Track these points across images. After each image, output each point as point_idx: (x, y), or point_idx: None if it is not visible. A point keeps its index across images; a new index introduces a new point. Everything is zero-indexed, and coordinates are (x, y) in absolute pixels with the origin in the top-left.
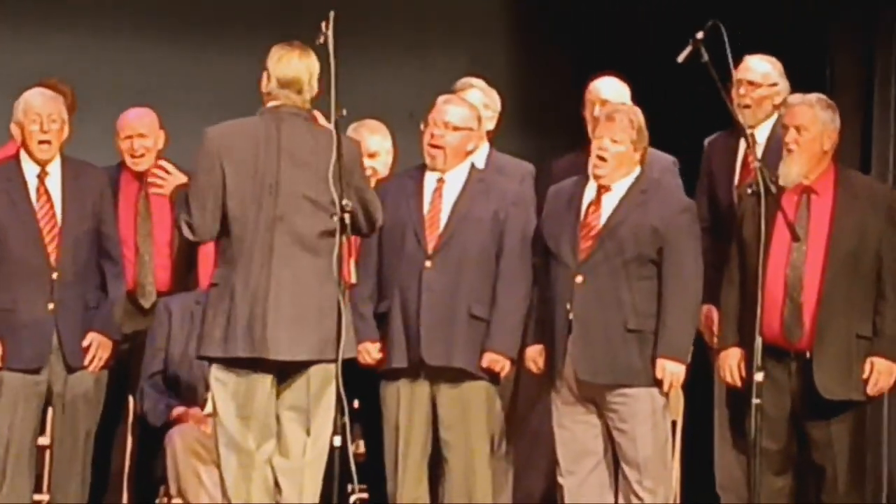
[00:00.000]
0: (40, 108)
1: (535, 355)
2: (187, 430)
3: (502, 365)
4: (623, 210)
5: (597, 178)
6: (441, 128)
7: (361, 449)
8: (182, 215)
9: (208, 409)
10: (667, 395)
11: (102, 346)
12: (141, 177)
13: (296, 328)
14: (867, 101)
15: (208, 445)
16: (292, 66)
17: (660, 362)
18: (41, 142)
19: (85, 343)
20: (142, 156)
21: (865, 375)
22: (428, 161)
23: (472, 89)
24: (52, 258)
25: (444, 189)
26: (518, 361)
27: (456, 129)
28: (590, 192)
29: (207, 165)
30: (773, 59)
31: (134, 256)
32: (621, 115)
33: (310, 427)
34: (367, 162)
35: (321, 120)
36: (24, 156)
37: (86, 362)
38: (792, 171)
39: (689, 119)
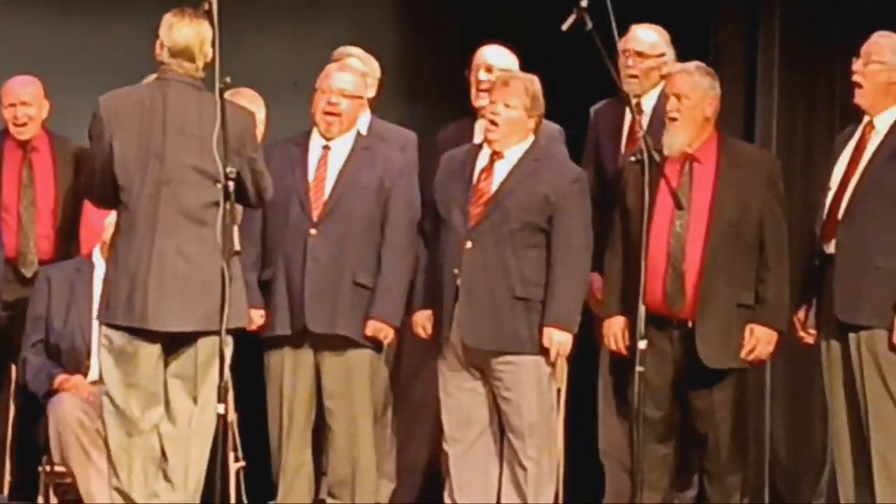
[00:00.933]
0: None
1: (423, 320)
2: (70, 398)
3: (386, 333)
4: (515, 178)
5: (489, 142)
6: (337, 95)
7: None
8: (81, 187)
9: (91, 376)
10: (553, 363)
11: None
12: (24, 145)
13: (180, 299)
14: (750, 71)
15: (91, 413)
16: (183, 34)
17: (547, 331)
18: None
19: None
20: (24, 124)
21: (745, 342)
22: (322, 128)
23: (350, 58)
24: None
25: (329, 156)
26: (402, 330)
27: (351, 96)
28: (482, 159)
29: (97, 133)
30: (660, 29)
31: (16, 224)
32: (517, 81)
33: (197, 396)
34: None
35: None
36: None
37: None
38: (675, 140)
39: (575, 88)
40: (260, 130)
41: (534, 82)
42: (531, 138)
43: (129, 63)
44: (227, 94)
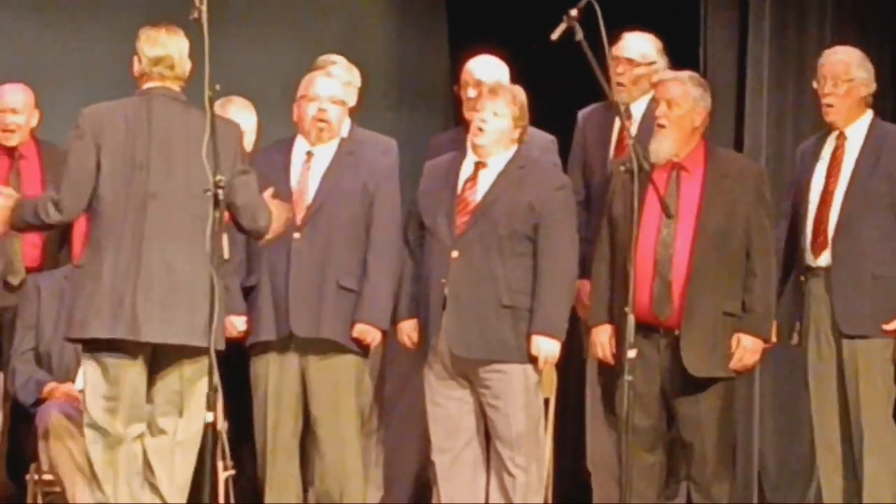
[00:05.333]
0: None
1: (409, 330)
2: (58, 407)
3: (373, 336)
4: (499, 186)
5: (475, 147)
6: (327, 102)
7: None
8: (49, 194)
9: (79, 384)
10: (540, 371)
11: None
12: (11, 152)
13: (167, 310)
14: (740, 79)
15: (79, 421)
16: (160, 45)
17: (534, 339)
18: None
19: None
20: (13, 132)
21: (732, 351)
22: (314, 136)
23: (333, 66)
24: None
25: (312, 162)
26: (388, 336)
27: (340, 102)
28: (467, 168)
29: (80, 146)
30: (652, 37)
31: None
32: (505, 91)
33: (182, 409)
34: None
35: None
36: None
37: None
38: (662, 147)
39: (565, 96)
40: (251, 138)
41: (521, 93)
42: (515, 147)
43: (115, 73)
44: (218, 102)
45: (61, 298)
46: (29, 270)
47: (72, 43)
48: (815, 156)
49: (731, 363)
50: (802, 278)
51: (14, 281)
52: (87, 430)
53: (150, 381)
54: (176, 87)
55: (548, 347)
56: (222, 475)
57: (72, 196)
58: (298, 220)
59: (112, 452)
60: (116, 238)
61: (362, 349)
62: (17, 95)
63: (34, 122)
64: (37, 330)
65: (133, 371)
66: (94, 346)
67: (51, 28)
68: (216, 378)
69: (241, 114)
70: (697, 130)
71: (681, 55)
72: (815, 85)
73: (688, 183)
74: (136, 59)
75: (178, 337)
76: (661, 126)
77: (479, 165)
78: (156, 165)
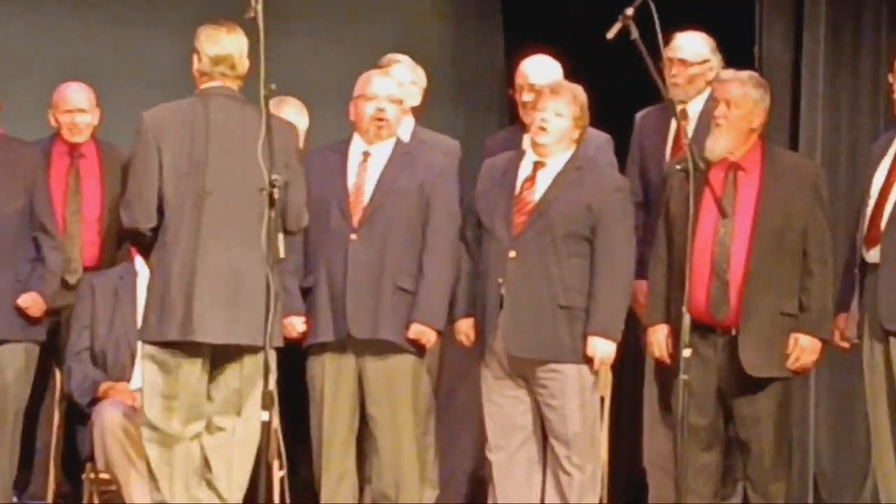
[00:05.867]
0: None
1: (466, 329)
2: (114, 406)
3: (428, 336)
4: (558, 187)
5: (536, 147)
6: (385, 101)
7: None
8: (122, 202)
9: (135, 384)
10: (596, 372)
11: (35, 302)
12: (73, 151)
13: (227, 310)
14: (796, 77)
15: (136, 421)
16: (221, 44)
17: (590, 340)
18: None
19: (20, 300)
20: (81, 131)
21: (789, 351)
22: (372, 135)
23: (397, 65)
24: None
25: (369, 162)
26: (445, 335)
27: (398, 101)
28: (525, 168)
29: (143, 150)
30: (704, 35)
31: (62, 231)
32: (566, 90)
33: (241, 407)
34: None
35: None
36: None
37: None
38: (718, 144)
39: (621, 95)
40: (301, 141)
41: (582, 93)
42: (574, 148)
43: (172, 72)
44: (273, 102)
45: (115, 297)
46: (87, 269)
47: (128, 42)
48: (883, 152)
49: (788, 363)
50: (858, 273)
51: (72, 280)
52: (143, 429)
53: (210, 380)
54: (235, 86)
55: (603, 348)
56: (277, 474)
57: (138, 201)
58: (355, 222)
59: (169, 451)
60: (177, 238)
61: (418, 349)
62: (83, 94)
63: (96, 121)
64: (91, 329)
65: (192, 370)
66: (158, 346)
67: (107, 27)
68: (272, 378)
69: (293, 115)
70: (755, 131)
71: (736, 54)
72: (890, 79)
73: (745, 182)
74: (195, 57)
75: (237, 337)
76: (718, 125)
77: (537, 165)
78: (213, 163)
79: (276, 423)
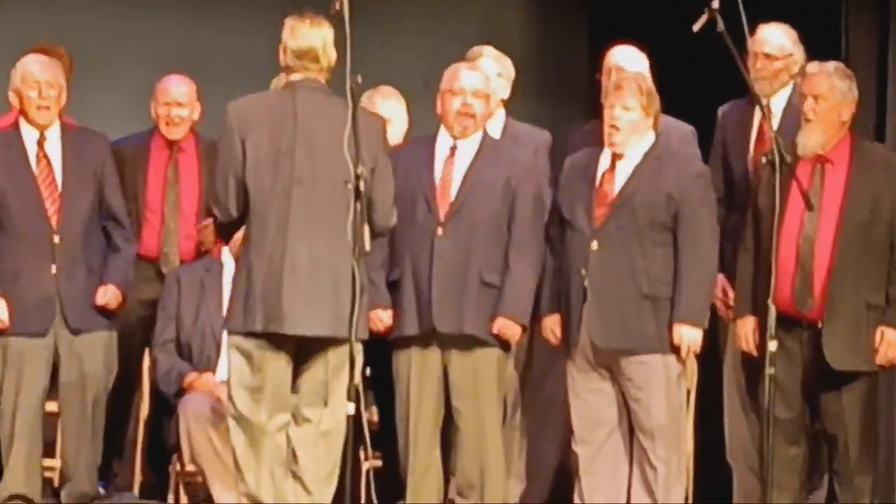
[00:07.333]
0: (38, 74)
1: (552, 324)
2: (200, 397)
3: (514, 331)
4: (637, 177)
5: (611, 145)
6: (471, 96)
7: (375, 417)
8: (212, 195)
9: (221, 375)
10: (683, 362)
11: (114, 297)
12: (172, 145)
13: (312, 302)
14: (882, 69)
15: (221, 412)
16: (305, 37)
17: (676, 328)
18: (40, 107)
19: (99, 296)
20: (177, 125)
21: (876, 346)
22: (458, 130)
23: (484, 57)
24: (54, 222)
25: (456, 156)
26: (531, 329)
27: (484, 96)
28: (604, 161)
29: (228, 142)
30: (788, 28)
31: (159, 224)
32: (629, 81)
33: (328, 399)
34: None
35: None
36: (22, 122)
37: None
38: (810, 140)
39: (704, 87)
40: (401, 128)
41: (646, 80)
42: (652, 135)
43: (264, 65)
44: (366, 94)
45: (202, 289)
46: (182, 262)
47: (221, 35)
48: None
49: (877, 359)
50: None
51: (167, 271)
52: (230, 421)
53: (296, 372)
54: (321, 78)
55: (690, 335)
56: (365, 465)
57: (224, 193)
58: (441, 216)
59: (255, 443)
60: (264, 229)
61: (503, 343)
62: (182, 88)
63: (196, 115)
64: (177, 320)
65: (278, 362)
66: (243, 336)
67: (201, 21)
68: (357, 369)
69: (387, 102)
70: (845, 124)
71: (822, 46)
72: None
73: (832, 175)
74: (281, 49)
75: (324, 328)
76: (808, 120)
77: (616, 157)
78: (300, 153)
79: (368, 414)
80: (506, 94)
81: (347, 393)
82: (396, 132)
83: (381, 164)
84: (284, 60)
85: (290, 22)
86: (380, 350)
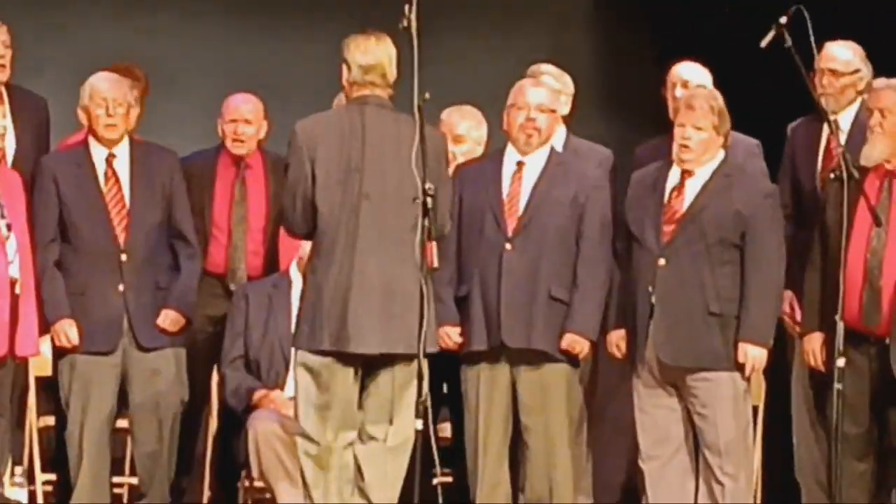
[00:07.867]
0: (106, 92)
1: (617, 339)
2: (269, 414)
3: (582, 346)
4: (706, 195)
5: (681, 163)
6: (535, 111)
7: (447, 433)
8: (281, 214)
9: (289, 391)
10: (748, 379)
11: (173, 322)
12: (239, 161)
13: (380, 320)
14: None
15: (290, 429)
16: (372, 53)
17: (742, 346)
18: (107, 125)
19: (159, 320)
20: (243, 142)
21: None
22: (522, 143)
23: (543, 75)
24: (122, 240)
25: (523, 172)
26: (598, 345)
27: (549, 111)
28: (673, 177)
29: (296, 160)
30: (854, 45)
31: (226, 240)
32: (701, 100)
33: (393, 416)
34: (450, 147)
35: None
36: (91, 140)
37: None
38: (875, 151)
39: (771, 103)
40: (474, 149)
41: (717, 98)
42: (722, 153)
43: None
44: (446, 111)
45: (269, 305)
46: (250, 279)
47: (288, 53)
48: None
49: None
50: None
51: (235, 288)
52: (299, 440)
53: (362, 388)
54: (385, 94)
55: (755, 355)
56: (434, 481)
57: (292, 211)
58: (510, 231)
59: (322, 460)
60: (332, 246)
61: (571, 359)
62: (248, 105)
63: (262, 133)
64: (245, 337)
65: (346, 380)
66: (311, 354)
67: (269, 38)
68: (426, 386)
69: (463, 121)
70: None
71: (889, 63)
72: None
73: None
74: (344, 68)
75: (391, 346)
76: (874, 133)
77: (685, 174)
78: (369, 169)
79: (432, 429)
80: (566, 110)
81: (416, 408)
82: (465, 153)
83: (443, 179)
84: (349, 77)
85: (354, 39)
86: (454, 366)
